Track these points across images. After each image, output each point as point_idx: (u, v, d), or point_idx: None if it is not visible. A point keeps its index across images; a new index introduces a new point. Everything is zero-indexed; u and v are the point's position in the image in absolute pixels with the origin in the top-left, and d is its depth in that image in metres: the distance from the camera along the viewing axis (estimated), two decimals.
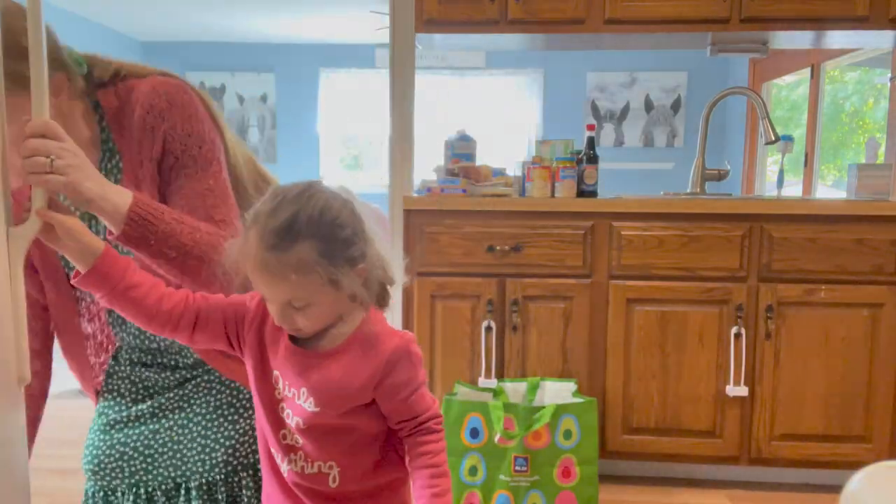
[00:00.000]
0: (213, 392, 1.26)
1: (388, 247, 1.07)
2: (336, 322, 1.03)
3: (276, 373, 1.05)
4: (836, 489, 1.49)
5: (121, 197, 1.04)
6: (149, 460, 1.23)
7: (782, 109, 5.08)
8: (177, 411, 1.25)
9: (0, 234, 0.91)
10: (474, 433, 2.19)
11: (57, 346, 1.33)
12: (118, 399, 1.28)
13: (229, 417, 1.24)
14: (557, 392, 2.32)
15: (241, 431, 1.24)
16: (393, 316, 2.59)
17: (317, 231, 0.95)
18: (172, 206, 1.16)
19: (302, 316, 0.98)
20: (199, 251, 1.11)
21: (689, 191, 2.85)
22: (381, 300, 1.07)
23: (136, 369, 1.27)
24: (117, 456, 1.23)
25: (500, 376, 2.41)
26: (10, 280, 0.91)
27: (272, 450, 1.07)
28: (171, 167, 1.18)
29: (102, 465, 1.24)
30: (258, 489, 1.24)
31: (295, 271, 0.94)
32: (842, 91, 4.48)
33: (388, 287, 1.07)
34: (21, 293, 0.93)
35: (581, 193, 2.47)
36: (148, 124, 1.17)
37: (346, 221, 0.99)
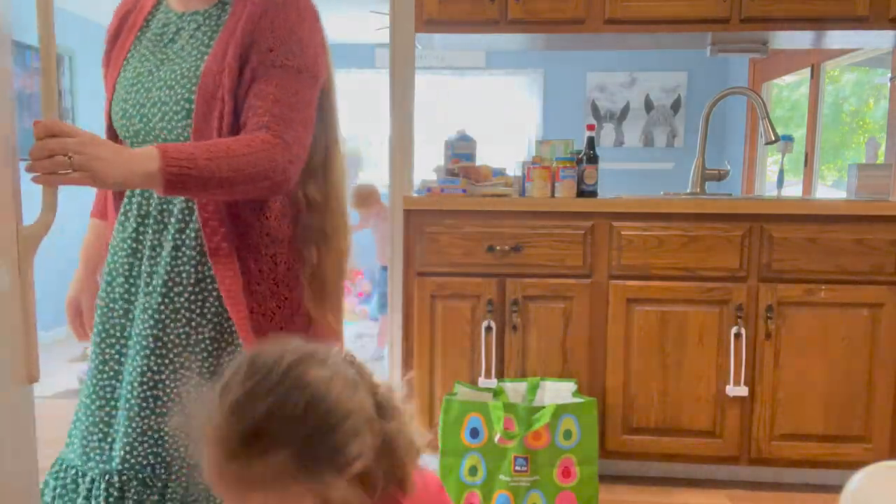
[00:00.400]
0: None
1: (409, 419, 0.86)
2: None
3: None
4: (836, 489, 1.49)
5: (150, 163, 1.04)
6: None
7: (783, 109, 5.08)
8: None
9: (10, 233, 0.91)
10: (474, 433, 2.19)
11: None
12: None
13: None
14: (557, 392, 2.32)
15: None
16: (393, 317, 2.59)
17: (295, 436, 0.74)
18: (252, 97, 1.16)
19: None
20: (244, 177, 1.11)
21: (689, 191, 2.85)
22: (396, 484, 0.84)
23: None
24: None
25: (500, 376, 2.41)
26: (21, 279, 0.92)
27: None
28: (267, 49, 1.18)
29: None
30: None
31: (260, 488, 0.74)
32: (843, 91, 4.48)
33: (408, 469, 0.85)
34: (31, 292, 0.94)
35: (581, 193, 2.47)
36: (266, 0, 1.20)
37: (341, 415, 0.76)
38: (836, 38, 2.80)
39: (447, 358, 2.43)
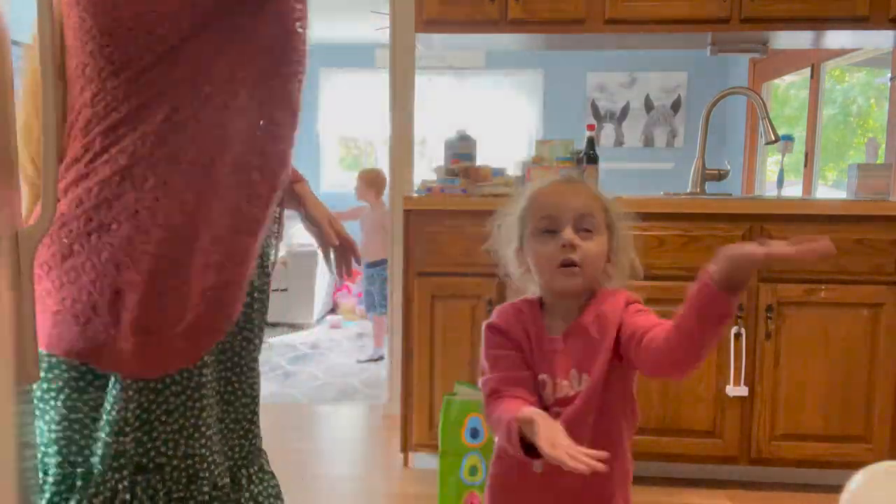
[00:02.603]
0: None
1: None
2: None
3: (542, 376, 1.14)
4: (836, 489, 1.49)
5: None
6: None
7: (790, 108, 5.06)
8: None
9: (10, 233, 0.91)
10: (474, 433, 2.19)
11: None
12: None
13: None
14: None
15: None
16: (393, 317, 2.59)
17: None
18: None
19: (584, 243, 1.11)
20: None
21: (689, 191, 2.85)
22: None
23: None
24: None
25: None
26: (22, 279, 0.92)
27: None
28: None
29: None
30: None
31: (586, 190, 1.14)
32: (850, 92, 4.48)
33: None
34: (31, 292, 0.93)
35: None
36: None
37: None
38: (836, 38, 2.80)
39: (447, 358, 2.43)
